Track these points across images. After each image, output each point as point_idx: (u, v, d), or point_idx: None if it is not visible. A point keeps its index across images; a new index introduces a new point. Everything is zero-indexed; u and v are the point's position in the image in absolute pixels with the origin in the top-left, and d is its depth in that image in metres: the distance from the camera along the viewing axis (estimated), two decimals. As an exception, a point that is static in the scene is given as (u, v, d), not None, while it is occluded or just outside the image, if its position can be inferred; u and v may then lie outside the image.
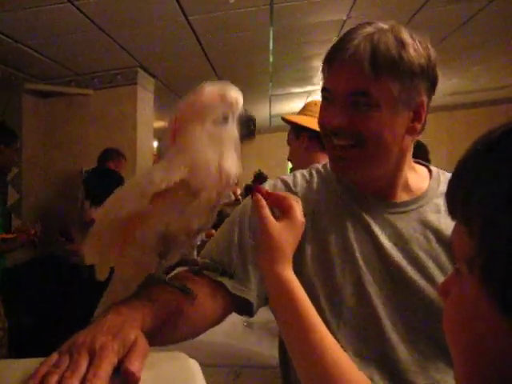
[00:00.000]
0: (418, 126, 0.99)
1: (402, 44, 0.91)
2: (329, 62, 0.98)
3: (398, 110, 0.94)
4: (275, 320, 0.84)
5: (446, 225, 1.01)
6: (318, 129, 1.83)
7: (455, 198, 0.49)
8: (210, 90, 0.84)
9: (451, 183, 0.50)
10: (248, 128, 0.85)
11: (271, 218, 0.83)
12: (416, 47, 0.92)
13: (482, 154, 0.47)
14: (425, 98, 0.97)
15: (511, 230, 0.40)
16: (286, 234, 0.83)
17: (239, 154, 0.85)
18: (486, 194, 0.43)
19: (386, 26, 0.95)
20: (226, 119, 0.83)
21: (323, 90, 1.02)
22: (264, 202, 0.85)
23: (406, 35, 0.93)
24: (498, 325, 0.43)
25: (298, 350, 0.77)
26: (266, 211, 0.84)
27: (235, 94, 0.84)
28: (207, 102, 0.83)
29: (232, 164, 0.83)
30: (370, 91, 0.92)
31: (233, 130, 0.84)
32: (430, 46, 0.96)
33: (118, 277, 0.91)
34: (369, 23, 0.96)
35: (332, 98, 0.99)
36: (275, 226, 0.83)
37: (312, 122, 1.90)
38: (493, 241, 0.42)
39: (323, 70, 1.01)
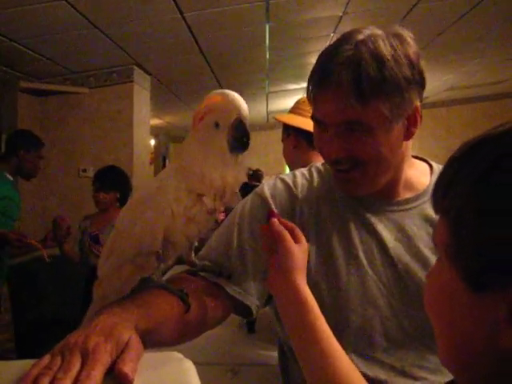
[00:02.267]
0: (415, 130, 0.98)
1: (381, 61, 0.88)
2: (313, 93, 0.97)
3: (393, 126, 0.93)
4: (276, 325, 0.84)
5: None
6: (305, 127, 1.86)
7: (437, 193, 0.56)
8: (209, 95, 0.84)
9: (437, 181, 0.57)
10: (239, 140, 0.82)
11: (292, 240, 0.87)
12: (396, 57, 0.89)
13: (460, 157, 0.54)
14: (417, 102, 0.95)
15: (474, 223, 0.48)
16: (303, 256, 0.88)
17: (231, 161, 0.84)
18: (458, 191, 0.51)
19: (362, 37, 0.91)
20: (217, 126, 0.82)
21: (313, 117, 1.00)
22: (282, 226, 0.88)
23: (383, 47, 0.89)
24: (468, 300, 0.50)
25: (309, 359, 0.79)
26: (287, 234, 0.87)
27: (231, 102, 0.82)
28: (203, 107, 0.83)
29: (216, 171, 0.83)
30: (361, 119, 0.91)
31: (221, 137, 0.82)
32: (409, 41, 0.93)
33: (111, 281, 0.92)
34: (345, 39, 0.92)
35: (324, 126, 0.98)
36: (296, 247, 0.87)
37: (299, 121, 1.92)
38: (461, 230, 0.50)
39: (308, 98, 0.99)
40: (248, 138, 0.82)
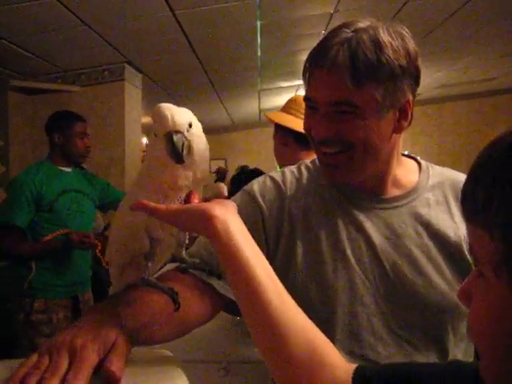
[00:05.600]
0: (405, 124, 0.98)
1: (379, 47, 0.89)
2: (309, 71, 0.97)
3: (384, 114, 0.94)
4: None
5: (437, 218, 1.02)
6: (293, 126, 1.89)
7: (473, 204, 0.49)
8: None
9: (467, 190, 0.51)
10: (172, 152, 0.81)
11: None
12: (395, 47, 0.90)
13: (497, 160, 0.48)
14: (410, 96, 0.96)
15: None
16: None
17: (177, 167, 0.83)
18: (504, 200, 0.45)
19: (363, 26, 0.92)
20: (156, 135, 0.83)
21: (306, 99, 1.01)
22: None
23: (383, 35, 0.91)
24: None
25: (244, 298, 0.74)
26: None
27: (161, 117, 0.81)
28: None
29: (163, 175, 0.84)
30: (352, 100, 0.91)
31: (160, 146, 0.82)
32: (409, 38, 0.94)
33: (119, 286, 0.95)
34: (346, 25, 0.94)
35: (316, 107, 0.98)
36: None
37: (288, 119, 1.94)
38: None
39: (304, 77, 1.00)
40: (177, 154, 0.80)
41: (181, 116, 0.82)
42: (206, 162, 0.88)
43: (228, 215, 0.77)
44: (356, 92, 0.90)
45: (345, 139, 0.95)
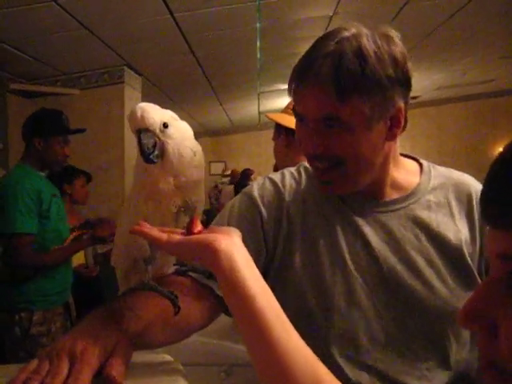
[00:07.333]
0: (398, 131, 0.96)
1: (363, 58, 0.87)
2: (294, 87, 0.96)
3: (373, 126, 0.92)
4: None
5: (437, 221, 1.01)
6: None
7: (501, 206, 0.44)
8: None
9: (492, 190, 0.46)
10: (139, 150, 0.80)
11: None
12: (379, 56, 0.88)
13: None
14: (401, 103, 0.93)
15: None
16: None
17: (154, 168, 0.82)
18: None
19: (347, 35, 0.90)
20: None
21: (294, 109, 0.99)
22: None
23: (367, 44, 0.88)
24: None
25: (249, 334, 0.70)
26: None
27: (130, 115, 0.81)
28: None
29: (144, 178, 0.85)
30: (339, 115, 0.89)
31: (138, 147, 0.82)
32: (397, 41, 0.92)
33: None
34: (330, 36, 0.92)
35: (304, 120, 0.97)
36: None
37: (291, 121, 1.92)
38: None
39: (289, 92, 0.98)
40: (143, 152, 0.79)
41: (151, 114, 0.80)
42: (193, 168, 0.86)
43: (233, 248, 0.73)
44: (342, 106, 0.88)
45: (334, 155, 0.94)
